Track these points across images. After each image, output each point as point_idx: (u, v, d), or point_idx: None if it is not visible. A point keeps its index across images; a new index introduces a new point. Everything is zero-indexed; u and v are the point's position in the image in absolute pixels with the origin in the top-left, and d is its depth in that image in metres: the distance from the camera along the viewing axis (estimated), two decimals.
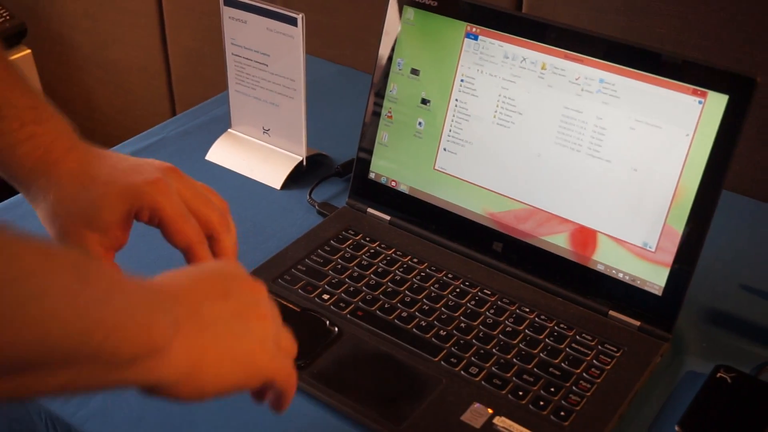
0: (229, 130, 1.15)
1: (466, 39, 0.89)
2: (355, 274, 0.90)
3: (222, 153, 1.13)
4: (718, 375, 0.78)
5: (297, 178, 1.08)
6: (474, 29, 0.88)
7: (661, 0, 1.09)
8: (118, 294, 0.48)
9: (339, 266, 0.91)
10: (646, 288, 0.83)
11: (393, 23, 0.93)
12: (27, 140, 0.64)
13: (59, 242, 0.65)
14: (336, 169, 1.09)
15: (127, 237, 0.66)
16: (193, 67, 1.71)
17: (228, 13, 1.05)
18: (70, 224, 0.64)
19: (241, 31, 1.05)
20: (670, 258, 0.81)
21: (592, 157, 0.84)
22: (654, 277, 0.82)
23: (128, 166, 0.66)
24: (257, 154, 1.11)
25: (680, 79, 0.78)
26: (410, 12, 0.92)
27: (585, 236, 0.86)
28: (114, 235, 0.65)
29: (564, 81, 0.84)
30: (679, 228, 0.80)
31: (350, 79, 1.36)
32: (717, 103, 0.76)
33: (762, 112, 1.06)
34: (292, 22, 0.99)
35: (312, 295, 0.86)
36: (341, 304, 0.86)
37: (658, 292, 0.82)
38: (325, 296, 0.86)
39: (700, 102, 0.77)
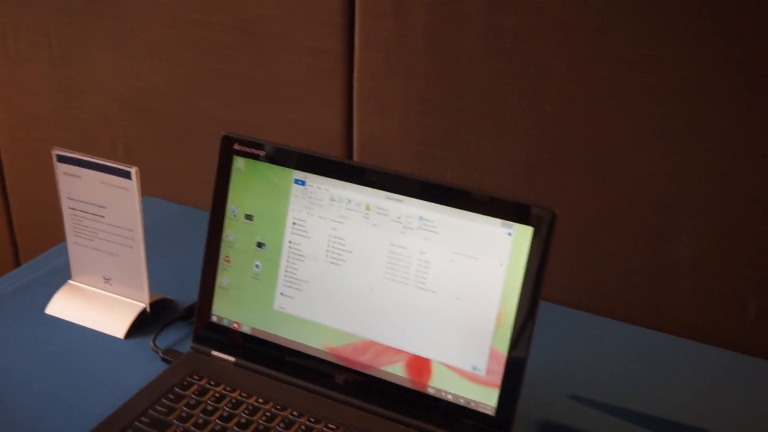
0: (69, 281, 1.14)
1: (294, 184, 0.94)
2: (200, 420, 0.90)
3: (63, 305, 1.12)
4: None
5: (142, 325, 1.08)
6: (301, 175, 0.93)
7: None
8: None
9: (183, 414, 0.91)
10: (480, 409, 0.87)
11: (224, 172, 0.97)
12: None
13: None
14: (180, 313, 1.10)
15: None
16: (36, 214, 1.69)
17: (62, 169, 1.07)
18: None
19: (76, 186, 1.07)
20: (498, 379, 0.86)
21: (419, 289, 0.89)
22: (486, 399, 0.87)
23: None
24: (99, 304, 1.11)
25: (489, 214, 0.85)
26: (240, 162, 0.96)
27: (419, 365, 0.90)
28: None
29: (387, 220, 0.90)
30: (504, 350, 0.86)
31: (191, 219, 1.38)
32: (524, 234, 0.83)
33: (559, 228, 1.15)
34: (126, 175, 1.02)
35: None
36: None
37: (492, 412, 0.87)
38: None
39: (509, 234, 0.84)
